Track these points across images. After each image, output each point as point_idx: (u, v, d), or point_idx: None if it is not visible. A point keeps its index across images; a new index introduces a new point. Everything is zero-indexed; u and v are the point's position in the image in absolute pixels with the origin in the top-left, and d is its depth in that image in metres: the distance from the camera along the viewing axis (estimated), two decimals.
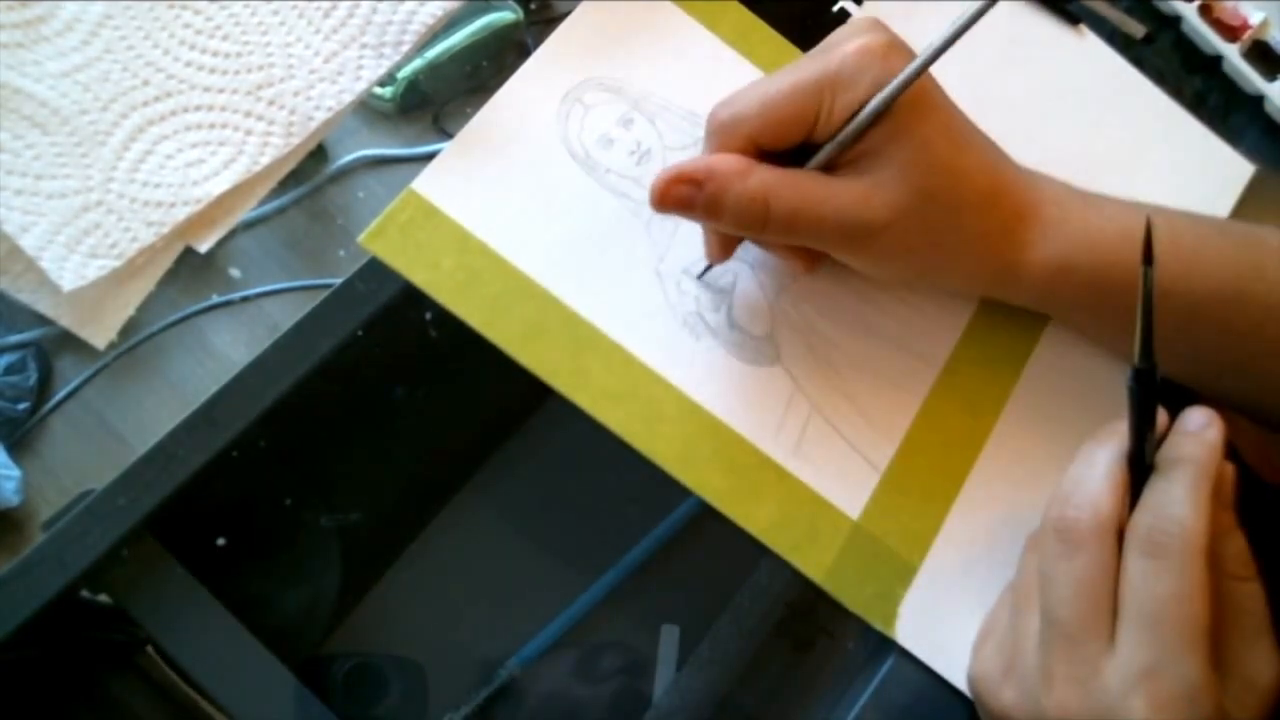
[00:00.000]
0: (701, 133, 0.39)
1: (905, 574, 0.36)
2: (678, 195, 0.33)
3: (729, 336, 0.37)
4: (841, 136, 0.33)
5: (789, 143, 0.34)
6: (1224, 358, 0.37)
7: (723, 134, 0.34)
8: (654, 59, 0.40)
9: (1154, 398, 0.31)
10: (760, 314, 0.38)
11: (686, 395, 0.36)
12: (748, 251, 0.39)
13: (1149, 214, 0.35)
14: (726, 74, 0.41)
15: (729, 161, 0.33)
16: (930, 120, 0.33)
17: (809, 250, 0.36)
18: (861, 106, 0.32)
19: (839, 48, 0.33)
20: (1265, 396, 0.38)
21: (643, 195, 0.38)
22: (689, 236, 0.38)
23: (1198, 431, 0.31)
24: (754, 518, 0.35)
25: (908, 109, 0.33)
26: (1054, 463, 0.38)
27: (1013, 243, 0.35)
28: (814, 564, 0.35)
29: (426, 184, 0.36)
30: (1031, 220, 0.36)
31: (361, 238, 0.35)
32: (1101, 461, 0.32)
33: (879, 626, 0.35)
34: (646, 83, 0.40)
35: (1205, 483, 0.30)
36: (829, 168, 0.34)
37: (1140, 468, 0.31)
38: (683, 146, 0.40)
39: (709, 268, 0.38)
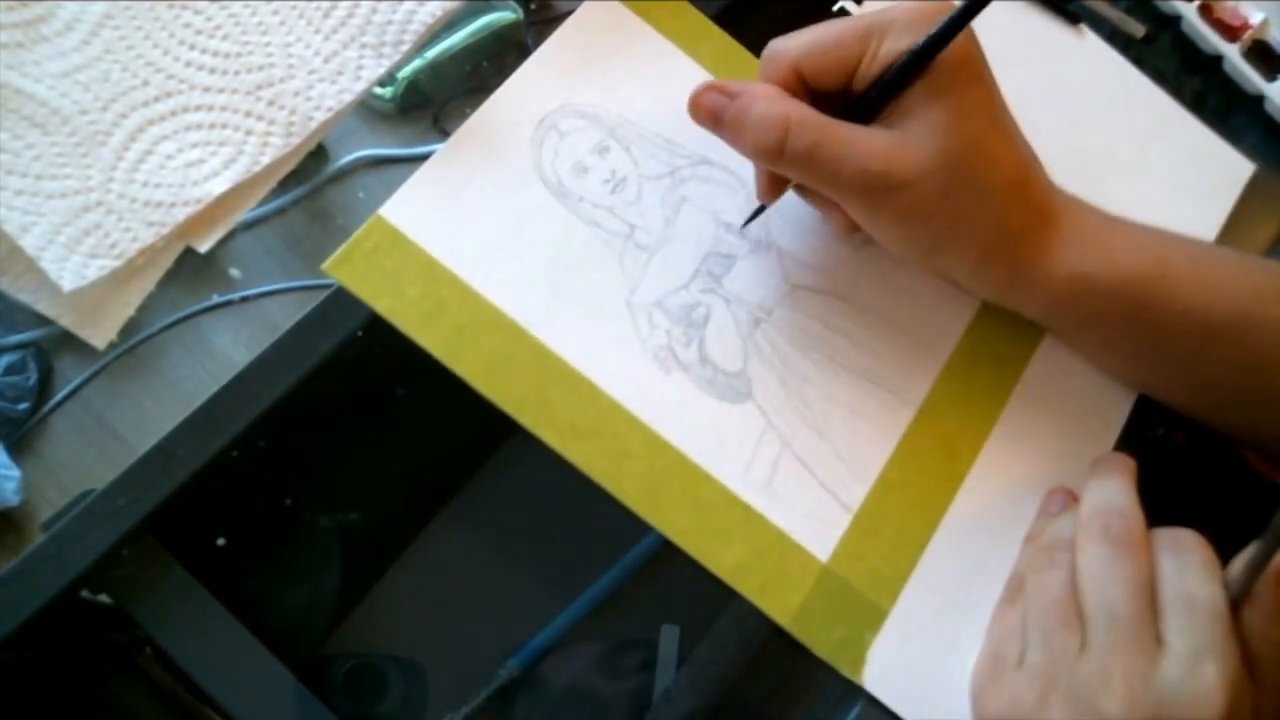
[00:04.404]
0: (679, 161, 0.39)
1: (875, 619, 0.35)
2: (710, 104, 0.34)
3: (700, 371, 0.37)
4: (880, 82, 0.33)
5: (830, 81, 0.34)
6: (1239, 384, 0.37)
7: (769, 62, 0.35)
8: (633, 85, 0.40)
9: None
10: (733, 348, 0.37)
11: (654, 431, 0.35)
12: (722, 285, 0.38)
13: (1168, 238, 0.36)
14: None
15: (763, 85, 0.34)
16: (971, 92, 0.34)
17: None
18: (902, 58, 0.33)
19: (897, 6, 0.34)
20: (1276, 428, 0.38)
21: (616, 225, 0.38)
22: (661, 268, 0.38)
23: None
24: (720, 559, 0.34)
25: (950, 74, 0.33)
26: (1030, 506, 0.38)
27: (1031, 243, 0.35)
28: (780, 607, 0.34)
29: (395, 210, 0.35)
30: (1053, 225, 0.36)
31: (326, 264, 0.34)
32: (1121, 485, 0.34)
33: (846, 673, 0.34)
34: (624, 109, 0.39)
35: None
36: (867, 122, 0.34)
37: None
38: (659, 175, 0.39)
39: (757, 212, 0.38)
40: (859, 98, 0.34)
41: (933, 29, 0.32)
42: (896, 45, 0.33)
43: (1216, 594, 0.30)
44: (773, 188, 0.37)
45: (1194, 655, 0.29)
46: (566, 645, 0.44)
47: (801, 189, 0.37)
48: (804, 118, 0.33)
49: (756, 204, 0.38)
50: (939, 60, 0.33)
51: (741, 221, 0.39)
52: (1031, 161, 0.36)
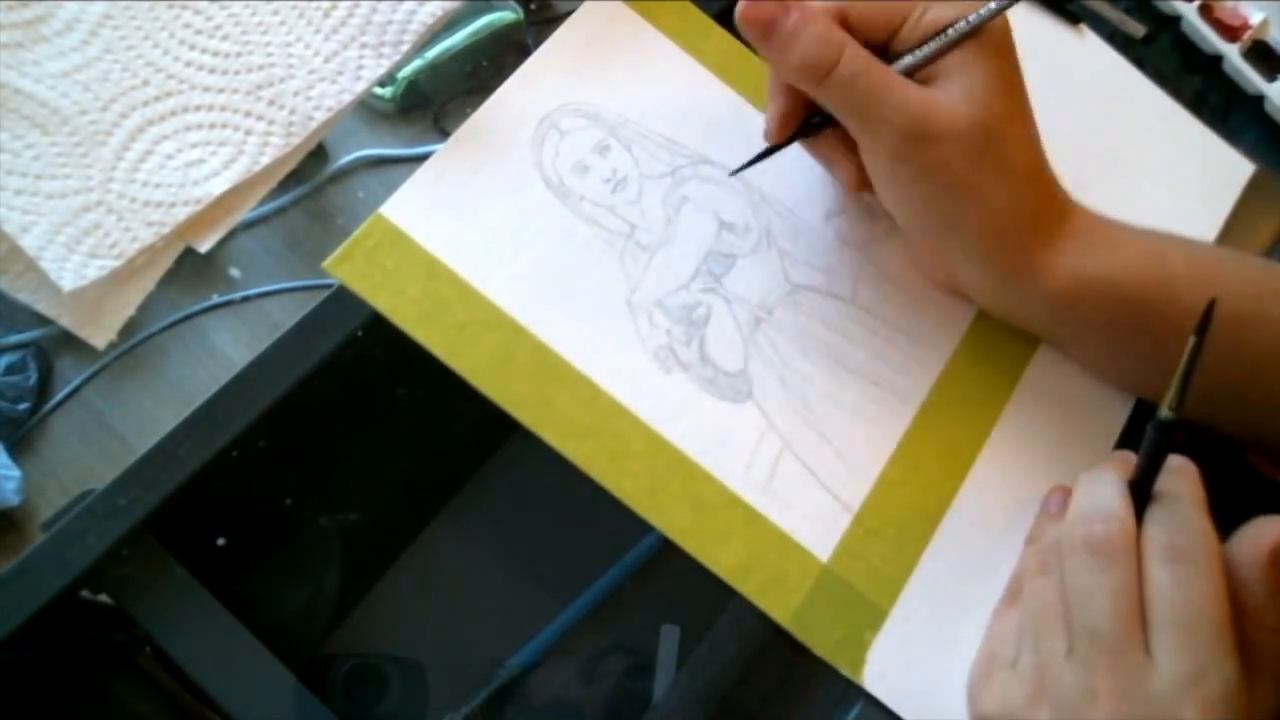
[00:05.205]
0: (680, 160, 0.39)
1: (875, 618, 0.35)
2: (763, 13, 0.33)
3: (700, 371, 0.37)
4: (931, 42, 0.34)
5: (872, 34, 0.34)
6: (1239, 385, 0.36)
7: None
8: (634, 85, 0.40)
9: (1170, 448, 0.32)
10: (734, 348, 0.37)
11: (655, 431, 0.35)
12: (723, 285, 0.38)
13: (1167, 239, 0.35)
14: (708, 101, 0.40)
15: (818, 5, 0.34)
16: (1010, 71, 0.34)
17: (860, 165, 0.36)
18: (948, 26, 0.33)
19: None
20: (1278, 428, 0.37)
21: (617, 224, 0.38)
22: (662, 267, 0.38)
23: (1183, 467, 0.32)
24: (720, 559, 0.34)
25: (992, 49, 0.34)
26: (1030, 506, 0.38)
27: (1040, 233, 0.35)
28: (780, 607, 0.34)
29: (395, 209, 0.35)
30: (1060, 220, 0.36)
31: (326, 263, 0.34)
32: (1110, 482, 0.32)
33: (846, 672, 0.34)
34: (625, 108, 0.39)
35: (1204, 503, 0.31)
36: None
37: (1143, 495, 0.32)
38: (660, 174, 0.39)
39: (766, 153, 0.38)
40: (895, 57, 0.34)
41: (993, 2, 0.33)
42: (942, 14, 0.33)
43: (1215, 611, 0.29)
44: (785, 126, 0.37)
45: (1186, 679, 0.28)
46: (567, 645, 0.44)
47: (812, 142, 0.37)
48: (858, 48, 0.33)
49: (758, 192, 0.38)
50: (982, 34, 0.33)
51: (743, 221, 0.39)
52: (1043, 155, 0.36)
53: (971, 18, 0.33)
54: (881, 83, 0.33)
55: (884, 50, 0.35)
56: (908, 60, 0.34)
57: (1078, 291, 0.36)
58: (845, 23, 0.34)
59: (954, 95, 0.33)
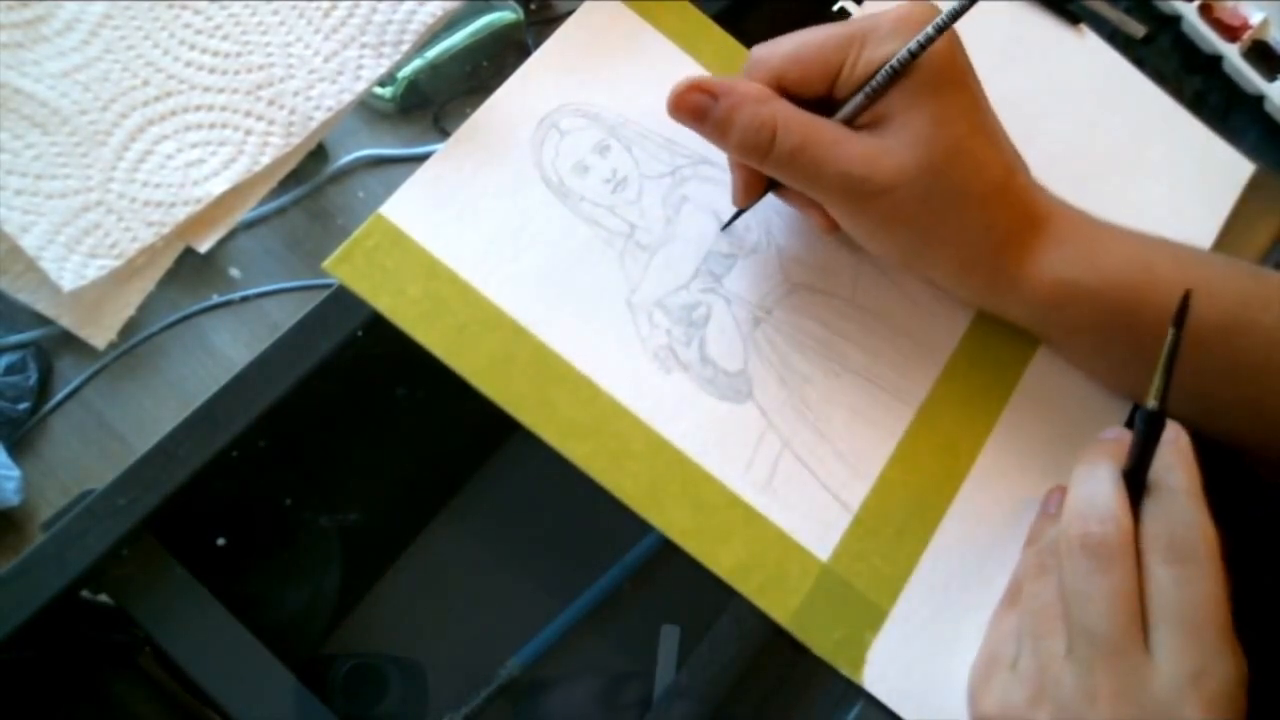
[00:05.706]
0: (680, 160, 0.39)
1: (875, 618, 0.35)
2: (693, 103, 0.34)
3: (700, 371, 0.37)
4: (863, 90, 0.33)
5: (812, 89, 0.34)
6: (1230, 393, 0.36)
7: (753, 66, 0.35)
8: (633, 85, 0.40)
9: (1158, 437, 0.32)
10: (733, 348, 0.37)
11: (655, 431, 0.35)
12: (723, 284, 0.38)
13: (1154, 242, 0.35)
14: None
15: (750, 85, 0.34)
16: (953, 97, 0.33)
17: (826, 212, 0.36)
18: (883, 64, 0.33)
19: (881, 12, 0.34)
20: (1270, 435, 0.37)
21: (616, 224, 0.38)
22: (662, 267, 0.38)
23: (1177, 442, 0.32)
24: (720, 559, 0.34)
25: (932, 81, 0.33)
26: (1030, 506, 0.38)
27: (1016, 246, 0.35)
28: (780, 607, 0.34)
29: (395, 209, 0.35)
30: (1039, 229, 0.35)
31: (326, 263, 0.34)
32: (1105, 477, 0.32)
33: (846, 672, 0.34)
34: (625, 109, 0.39)
35: (1201, 492, 0.31)
36: (850, 125, 0.34)
37: (1137, 486, 0.32)
38: (660, 174, 0.39)
39: (736, 215, 0.38)
40: (841, 103, 0.34)
41: (918, 36, 0.32)
42: (878, 52, 0.33)
43: (1217, 610, 0.29)
44: (750, 191, 0.37)
45: (1188, 678, 0.28)
46: (566, 645, 0.44)
47: (781, 191, 0.37)
48: (790, 119, 0.33)
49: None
50: (921, 65, 0.33)
51: (742, 221, 0.39)
52: (1015, 166, 0.36)
53: (902, 54, 0.32)
54: (820, 151, 0.33)
55: (831, 96, 0.34)
56: (846, 110, 0.34)
57: (1062, 296, 0.36)
58: (782, 85, 0.34)
59: (899, 140, 0.33)
